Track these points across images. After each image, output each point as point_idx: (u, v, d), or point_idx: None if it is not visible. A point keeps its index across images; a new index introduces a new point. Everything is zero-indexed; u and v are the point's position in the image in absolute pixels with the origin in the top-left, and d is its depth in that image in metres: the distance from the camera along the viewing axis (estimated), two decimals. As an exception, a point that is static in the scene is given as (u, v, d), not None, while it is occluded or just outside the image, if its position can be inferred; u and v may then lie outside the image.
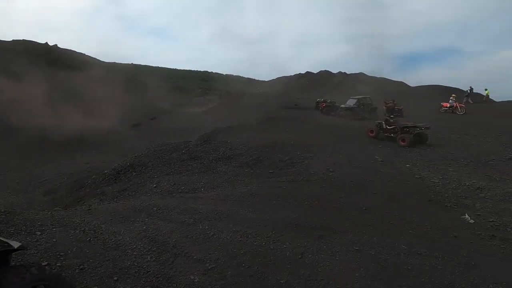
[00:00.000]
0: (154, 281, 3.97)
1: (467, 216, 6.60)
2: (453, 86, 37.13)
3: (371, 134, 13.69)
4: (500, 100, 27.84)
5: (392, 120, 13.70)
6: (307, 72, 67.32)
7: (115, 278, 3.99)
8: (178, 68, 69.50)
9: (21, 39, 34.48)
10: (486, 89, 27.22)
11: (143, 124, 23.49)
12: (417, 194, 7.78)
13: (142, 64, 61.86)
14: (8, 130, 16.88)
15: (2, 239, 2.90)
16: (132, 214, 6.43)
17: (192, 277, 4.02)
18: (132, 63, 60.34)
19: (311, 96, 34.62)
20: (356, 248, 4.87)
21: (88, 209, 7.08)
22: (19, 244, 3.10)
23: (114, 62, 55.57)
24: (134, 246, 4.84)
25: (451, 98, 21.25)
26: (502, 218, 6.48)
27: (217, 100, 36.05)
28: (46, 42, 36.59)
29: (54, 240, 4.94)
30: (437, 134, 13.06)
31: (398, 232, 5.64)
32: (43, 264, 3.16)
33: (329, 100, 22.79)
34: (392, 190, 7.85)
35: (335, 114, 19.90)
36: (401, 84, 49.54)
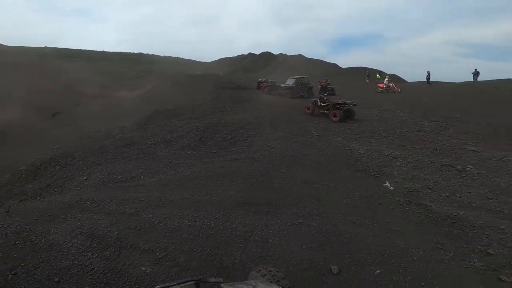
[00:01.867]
0: (101, 277, 3.76)
1: (387, 183, 7.22)
2: (376, 68, 41.83)
3: (308, 111, 14.56)
4: (412, 81, 32.35)
5: (325, 98, 14.73)
6: (250, 53, 67.26)
7: (56, 280, 3.73)
8: (107, 50, 62.07)
9: None
10: (378, 74, 34.36)
11: (64, 112, 20.67)
12: (347, 165, 8.43)
13: (60, 47, 53.34)
14: None
15: None
16: (61, 211, 5.82)
17: (143, 268, 3.89)
18: (46, 46, 51.60)
19: (254, 77, 34.88)
20: (300, 221, 5.11)
21: (7, 211, 6.21)
22: None
23: (22, 46, 46.82)
24: (70, 245, 4.48)
25: (386, 79, 24.09)
26: (415, 184, 7.30)
27: (153, 83, 33.65)
28: None
29: None
30: (361, 110, 14.52)
31: (334, 202, 6.05)
32: None
33: (270, 80, 23.35)
34: (327, 162, 8.46)
35: (276, 93, 20.51)
36: (334, 65, 53.37)
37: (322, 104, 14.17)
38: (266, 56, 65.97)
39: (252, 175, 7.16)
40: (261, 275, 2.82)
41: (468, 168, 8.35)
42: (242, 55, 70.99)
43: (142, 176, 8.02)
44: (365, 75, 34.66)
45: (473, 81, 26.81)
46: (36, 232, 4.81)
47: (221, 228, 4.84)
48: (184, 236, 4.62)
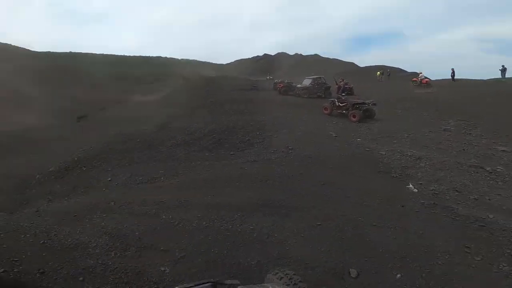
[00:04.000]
0: (123, 277, 3.83)
1: (411, 185, 6.98)
2: (396, 66, 40.53)
3: (325, 112, 14.35)
4: (435, 79, 31.10)
5: (343, 98, 14.45)
6: (265, 54, 67.34)
7: (81, 279, 3.81)
8: (127, 54, 64.42)
9: None
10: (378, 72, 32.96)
11: (90, 115, 21.61)
12: (368, 166, 8.22)
13: (83, 52, 55.82)
14: None
15: None
16: (87, 211, 6.04)
17: (162, 269, 3.94)
18: (70, 51, 54.16)
19: (270, 78, 34.86)
20: (319, 223, 4.99)
21: (36, 211, 6.51)
22: None
23: (49, 51, 49.39)
24: (95, 244, 4.60)
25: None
26: (441, 186, 7.01)
27: (172, 86, 34.46)
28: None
29: (4, 246, 4.51)
30: (381, 109, 14.09)
31: (354, 204, 5.88)
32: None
33: (287, 81, 23.26)
34: (346, 163, 8.25)
35: (292, 94, 20.44)
36: (352, 64, 52.27)
37: (340, 104, 13.92)
38: (282, 57, 65.81)
39: (270, 177, 7.08)
40: (278, 278, 2.80)
41: (499, 169, 7.90)
42: (257, 56, 71.15)
43: (162, 178, 8.21)
44: (378, 73, 32.98)
45: (501, 78, 25.37)
46: (64, 232, 5.01)
47: (239, 230, 4.81)
48: (202, 237, 4.64)
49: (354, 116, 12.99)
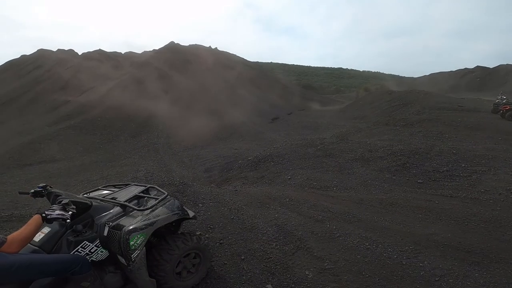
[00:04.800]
0: (272, 267, 4.10)
1: None
2: None
3: None
4: None
5: None
6: (478, 67, 53.10)
7: (242, 257, 4.32)
8: (312, 65, 71.07)
9: (195, 43, 44.00)
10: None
11: (280, 118, 25.21)
12: None
13: (279, 62, 67.16)
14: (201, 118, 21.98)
15: (185, 208, 3.38)
16: (268, 200, 6.93)
17: (307, 273, 3.98)
18: (271, 62, 66.37)
19: (483, 96, 27.06)
20: None
21: (235, 190, 8.13)
22: (193, 214, 3.48)
23: (258, 62, 62.42)
24: (265, 231, 5.18)
25: None
26: None
27: (353, 98, 33.99)
28: (210, 46, 45.03)
29: (209, 213, 5.93)
30: None
31: None
32: (197, 233, 3.71)
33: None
34: None
35: None
36: None
37: None
38: (506, 70, 49.36)
39: (472, 219, 5.58)
40: None
41: None
42: (465, 69, 57.42)
43: (335, 188, 8.16)
44: None
45: None
46: (248, 213, 5.95)
47: (404, 263, 4.16)
48: (358, 257, 4.33)
49: None
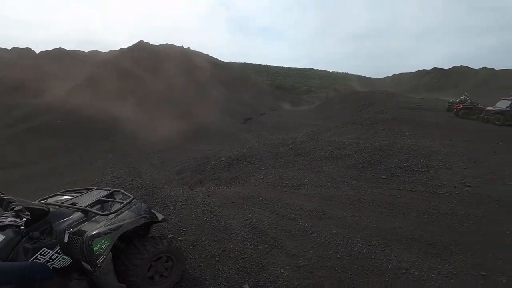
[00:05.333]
0: (248, 267, 4.13)
1: None
2: None
3: (532, 147, 10.32)
4: None
5: None
6: (435, 68, 57.31)
7: (217, 259, 4.30)
8: (284, 66, 72.52)
9: (166, 43, 42.66)
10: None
11: (253, 119, 25.33)
12: None
13: (252, 63, 67.57)
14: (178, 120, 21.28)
15: (153, 211, 3.31)
16: (241, 201, 6.93)
17: (282, 271, 4.05)
18: (244, 62, 66.60)
19: (441, 96, 29.31)
20: (483, 273, 4.00)
21: (208, 191, 8.01)
22: (163, 217, 3.43)
23: (231, 62, 62.24)
24: (239, 232, 5.18)
25: None
26: None
27: (323, 98, 35.14)
28: (182, 45, 43.96)
29: (181, 215, 5.78)
30: None
31: None
32: (169, 236, 3.64)
33: (469, 101, 18.53)
34: None
35: (477, 118, 16.42)
36: None
37: None
38: (459, 71, 53.81)
39: (430, 212, 5.99)
40: None
41: None
42: (423, 70, 61.65)
43: (306, 186, 8.37)
44: None
45: None
46: (221, 214, 5.89)
47: (372, 257, 4.37)
48: (330, 253, 4.49)
49: None
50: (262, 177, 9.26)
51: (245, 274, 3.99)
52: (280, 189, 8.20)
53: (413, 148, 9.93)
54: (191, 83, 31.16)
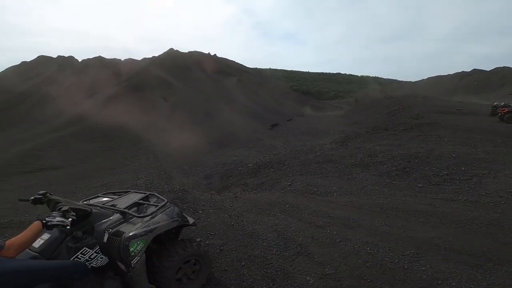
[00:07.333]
0: (273, 273, 4.08)
1: None
2: None
3: None
4: None
5: None
6: (475, 70, 53.53)
7: (243, 263, 4.30)
8: (311, 71, 71.75)
9: (194, 50, 44.25)
10: None
11: (279, 124, 25.28)
12: None
13: (278, 68, 67.65)
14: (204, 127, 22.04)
15: (184, 214, 3.39)
16: (268, 207, 6.91)
17: (308, 278, 3.95)
18: (270, 68, 66.80)
19: (482, 100, 27.25)
20: None
21: (235, 197, 8.10)
22: (193, 220, 3.49)
23: (257, 68, 62.78)
24: (265, 237, 5.15)
25: None
26: None
27: (352, 103, 34.17)
28: (209, 52, 45.30)
29: (209, 220, 5.90)
30: None
31: None
32: (197, 240, 3.71)
33: None
34: None
35: None
36: None
37: None
38: (504, 73, 49.71)
39: (472, 222, 5.55)
40: None
41: None
42: (462, 72, 57.81)
43: (335, 194, 8.14)
44: None
45: None
46: (248, 220, 5.92)
47: (405, 267, 4.11)
48: (359, 262, 4.28)
49: None
50: (289, 183, 9.16)
51: (270, 280, 3.95)
52: (308, 196, 8.05)
53: (453, 155, 9.27)
54: (219, 89, 31.93)
